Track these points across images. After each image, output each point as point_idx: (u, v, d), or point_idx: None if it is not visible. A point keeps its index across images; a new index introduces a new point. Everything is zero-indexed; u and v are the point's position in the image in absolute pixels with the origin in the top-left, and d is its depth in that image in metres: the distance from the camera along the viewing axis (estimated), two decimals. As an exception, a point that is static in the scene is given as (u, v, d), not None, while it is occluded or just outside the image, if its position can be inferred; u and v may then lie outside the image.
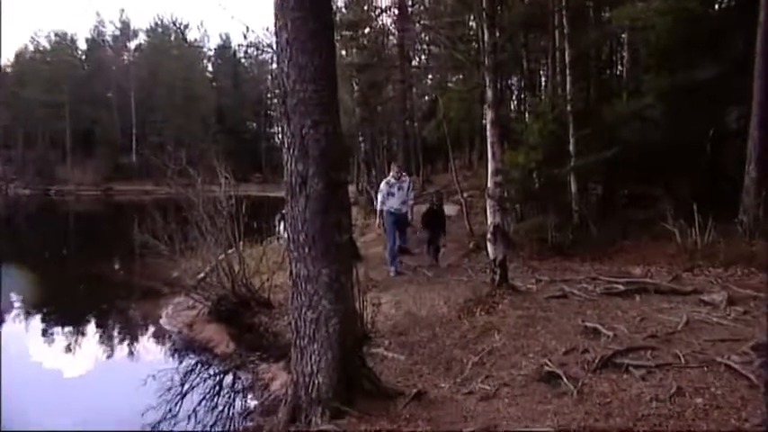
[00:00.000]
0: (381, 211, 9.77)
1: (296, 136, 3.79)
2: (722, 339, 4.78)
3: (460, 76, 21.17)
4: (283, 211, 4.12)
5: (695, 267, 8.42)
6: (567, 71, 14.20)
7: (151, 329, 9.04)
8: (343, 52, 23.89)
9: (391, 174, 9.96)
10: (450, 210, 21.43)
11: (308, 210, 3.82)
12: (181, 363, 6.98)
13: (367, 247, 14.77)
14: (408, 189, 9.93)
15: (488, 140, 7.61)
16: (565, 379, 4.16)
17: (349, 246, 4.30)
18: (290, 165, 3.84)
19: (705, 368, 4.19)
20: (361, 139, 21.03)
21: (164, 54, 63.14)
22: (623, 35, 18.15)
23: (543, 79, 25.36)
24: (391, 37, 22.35)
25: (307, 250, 3.86)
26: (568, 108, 13.23)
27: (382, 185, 9.84)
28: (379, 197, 9.77)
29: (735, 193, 10.48)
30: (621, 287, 7.26)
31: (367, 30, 20.91)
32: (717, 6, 13.29)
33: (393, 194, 9.66)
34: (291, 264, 3.99)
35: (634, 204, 15.67)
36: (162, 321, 8.86)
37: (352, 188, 29.44)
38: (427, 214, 10.78)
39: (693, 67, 12.30)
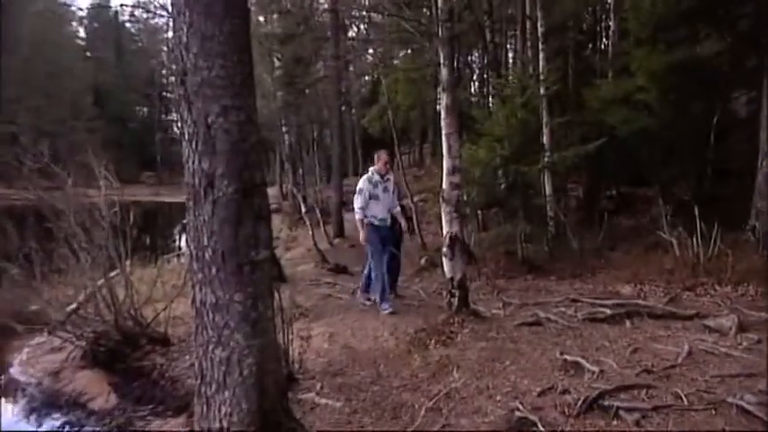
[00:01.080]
0: (362, 221, 8.60)
1: (199, 125, 3.73)
2: (732, 375, 4.99)
3: (408, 52, 21.39)
4: (184, 221, 4.05)
5: (698, 285, 8.79)
6: (541, 45, 14.60)
7: (-6, 383, 8.61)
8: (261, 18, 23.71)
9: (376, 167, 8.82)
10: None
11: (215, 219, 3.77)
12: (40, 426, 6.68)
13: (294, 264, 14.76)
14: (395, 190, 9.12)
15: (443, 131, 7.72)
16: (541, 426, 4.25)
17: (269, 264, 4.25)
18: (193, 162, 3.78)
19: (713, 410, 4.35)
20: (284, 129, 20.95)
21: (13, 5, 59.79)
22: (609, 1, 18.85)
23: (511, 55, 26.05)
24: (322, 0, 22.42)
25: (214, 271, 3.80)
26: (542, 90, 13.59)
27: (362, 184, 8.66)
28: (359, 201, 8.62)
29: (745, 194, 10.96)
30: (608, 311, 7.50)
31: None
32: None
33: (377, 198, 8.62)
34: (195, 288, 3.91)
35: (623, 209, 16.28)
36: (13, 371, 8.37)
37: (273, 191, 29.35)
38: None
39: (694, 42, 12.87)
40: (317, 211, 19.64)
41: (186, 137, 3.79)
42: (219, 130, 3.72)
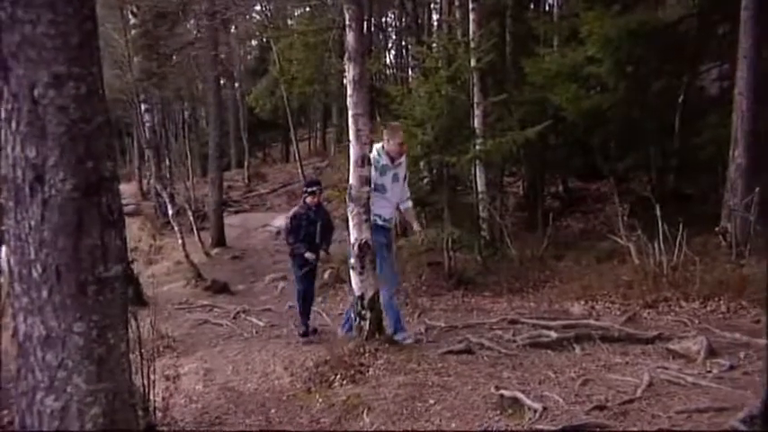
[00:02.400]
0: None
1: (22, 100, 3.55)
2: (701, 409, 5.15)
3: (306, 9, 21.24)
4: (2, 227, 3.86)
5: (661, 301, 9.09)
6: (471, 3, 14.73)
7: None
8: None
9: (386, 143, 8.11)
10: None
11: (47, 225, 3.61)
12: None
13: (158, 283, 14.39)
14: (406, 178, 8.54)
15: (350, 112, 7.68)
16: (472, 482, 4.30)
17: (123, 283, 4.10)
18: (13, 149, 3.60)
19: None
20: (143, 108, 20.24)
21: None
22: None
23: (435, 17, 26.29)
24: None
25: (46, 294, 3.64)
26: (473, 62, 13.71)
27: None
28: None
29: (715, 190, 11.41)
30: (554, 334, 7.69)
31: None
32: None
33: (385, 188, 8.06)
34: (18, 318, 3.73)
35: (571, 208, 16.72)
36: None
37: (129, 188, 28.57)
38: (296, 225, 8.97)
39: (656, 3, 13.32)
40: (190, 214, 19.14)
41: (3, 115, 3.61)
42: (51, 106, 3.56)
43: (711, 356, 6.50)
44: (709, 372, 6.14)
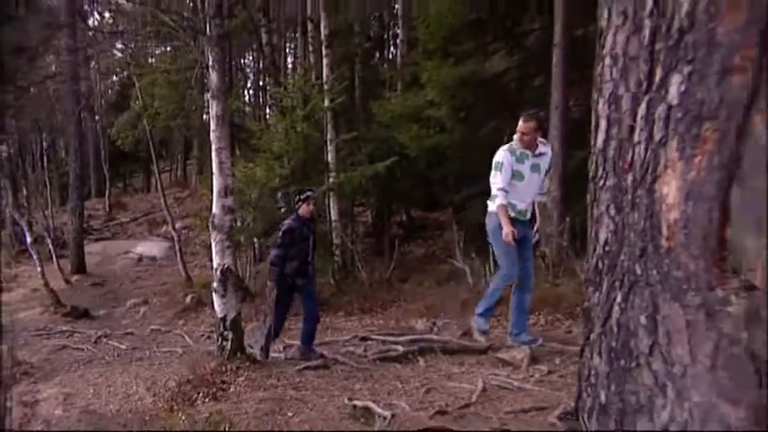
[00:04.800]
0: (505, 208, 6.89)
1: None
2: (525, 410, 5.42)
3: (169, 49, 20.85)
4: None
5: (492, 317, 9.41)
6: (324, 50, 14.92)
7: None
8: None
9: (521, 136, 6.94)
10: (155, 248, 20.98)
11: None
12: None
13: (12, 311, 13.67)
14: (548, 172, 7.57)
15: (213, 146, 7.65)
16: (327, 486, 4.34)
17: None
18: None
19: (505, 448, 4.72)
20: (-1, 137, 19.26)
21: None
22: (397, 6, 19.78)
23: (291, 60, 26.40)
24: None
25: None
26: (326, 102, 13.87)
27: (501, 156, 6.95)
28: (499, 179, 6.89)
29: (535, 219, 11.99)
30: (401, 348, 7.83)
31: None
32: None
33: (522, 175, 6.98)
34: None
35: (414, 235, 17.05)
36: None
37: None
38: (289, 241, 7.86)
39: (484, 56, 13.87)
40: (49, 242, 18.25)
41: None
42: None
43: (533, 363, 6.81)
44: (532, 376, 6.44)
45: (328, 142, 14.25)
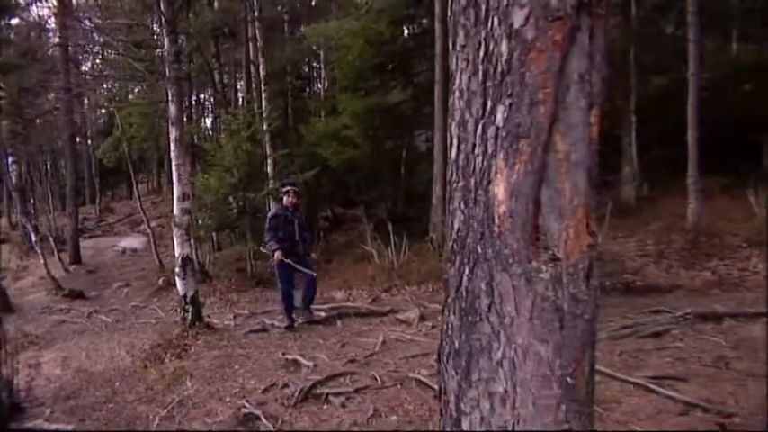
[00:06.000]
0: None
1: None
2: (414, 355, 5.53)
3: (143, 87, 20.33)
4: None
5: (393, 287, 9.53)
6: (263, 87, 14.80)
7: None
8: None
9: None
10: (135, 242, 20.41)
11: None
12: None
13: (23, 294, 13.18)
14: None
15: (173, 162, 7.53)
16: (264, 419, 4.32)
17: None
18: None
19: (399, 385, 4.80)
20: (11, 159, 18.45)
21: None
22: (321, 52, 19.75)
23: (241, 95, 26.00)
24: (51, 34, 20.42)
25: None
26: (265, 126, 13.77)
27: None
28: None
29: (426, 212, 12.19)
30: (323, 314, 7.86)
31: (15, 21, 18.73)
32: (406, 32, 15.31)
33: None
34: None
35: (336, 227, 17.07)
36: None
37: (1, 222, 25.86)
38: (275, 225, 7.33)
39: (386, 91, 14.00)
40: (51, 240, 17.66)
41: None
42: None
43: (422, 321, 6.94)
44: (420, 331, 6.57)
45: (267, 157, 14.13)
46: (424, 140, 16.01)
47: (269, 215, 7.42)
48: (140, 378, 5.88)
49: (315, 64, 23.41)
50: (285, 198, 7.42)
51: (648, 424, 3.34)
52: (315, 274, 7.58)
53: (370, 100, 13.00)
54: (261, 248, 7.62)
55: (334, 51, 15.21)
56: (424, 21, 14.62)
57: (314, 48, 19.22)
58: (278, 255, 7.08)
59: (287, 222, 7.28)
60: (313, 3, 22.72)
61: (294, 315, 7.45)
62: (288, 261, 7.16)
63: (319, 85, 22.53)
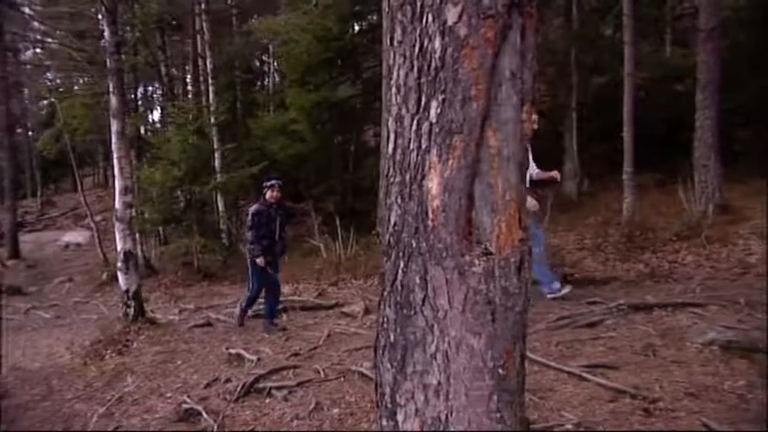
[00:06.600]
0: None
1: None
2: (358, 348, 5.51)
3: (87, 79, 19.69)
4: None
5: (340, 281, 9.49)
6: (210, 80, 14.55)
7: None
8: None
9: None
10: (79, 236, 19.79)
11: None
12: None
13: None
14: None
15: (114, 155, 7.31)
16: (205, 414, 4.24)
17: None
18: None
19: (342, 378, 4.77)
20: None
21: None
22: (271, 47, 19.48)
23: (190, 87, 25.47)
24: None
25: None
26: (212, 120, 13.54)
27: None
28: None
29: (374, 207, 12.17)
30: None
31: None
32: (355, 28, 15.22)
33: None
34: None
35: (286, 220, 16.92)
36: None
37: None
38: (257, 222, 6.84)
39: (335, 85, 13.93)
40: (-14, 234, 16.98)
41: None
42: None
43: (367, 314, 6.93)
44: (365, 324, 6.55)
45: (215, 151, 13.92)
46: (372, 135, 15.98)
47: (251, 212, 6.88)
48: (79, 375, 5.70)
49: (265, 58, 23.15)
50: (269, 192, 6.91)
51: (580, 411, 3.42)
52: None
53: (319, 95, 12.90)
54: (247, 249, 6.99)
55: (282, 46, 15.02)
56: (373, 17, 14.58)
57: (264, 42, 18.94)
58: (260, 261, 6.66)
59: (269, 219, 6.84)
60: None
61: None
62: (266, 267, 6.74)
63: (269, 80, 22.24)
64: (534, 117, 2.00)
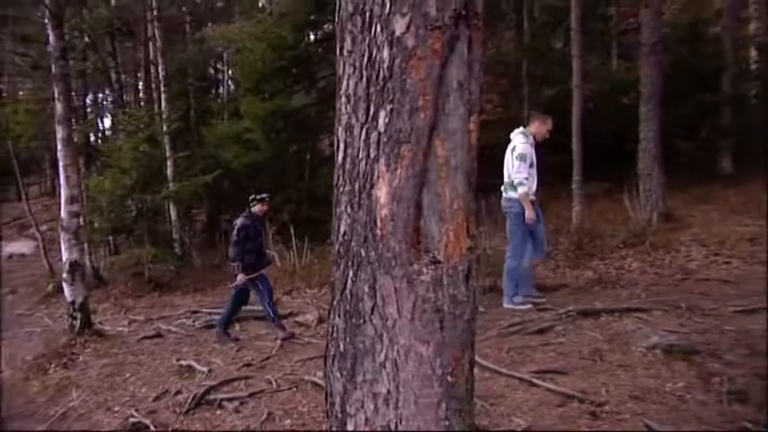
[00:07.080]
0: (527, 195, 6.04)
1: None
2: (311, 358, 5.46)
3: (32, 85, 19.07)
4: None
5: (294, 290, 9.40)
6: (162, 87, 14.29)
7: None
8: None
9: (536, 126, 6.30)
10: (24, 247, 19.09)
11: None
12: None
13: None
14: None
15: (60, 163, 7.08)
16: (153, 428, 4.14)
17: None
18: None
19: (294, 389, 4.71)
20: None
21: None
22: (225, 54, 19.27)
23: (141, 94, 24.94)
24: None
25: None
26: (164, 127, 13.28)
27: (525, 148, 6.06)
28: (523, 170, 6.01)
29: (329, 216, 12.12)
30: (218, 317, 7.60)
31: None
32: (310, 37, 15.16)
33: (534, 164, 6.14)
34: None
35: (239, 230, 16.69)
36: None
37: None
38: (244, 237, 6.57)
39: (290, 94, 13.82)
40: None
41: None
42: None
43: (320, 323, 6.88)
44: (318, 333, 6.51)
45: (167, 159, 13.63)
46: (327, 144, 15.91)
47: (237, 226, 6.55)
48: (20, 391, 5.49)
49: (219, 66, 22.86)
50: (258, 206, 6.71)
51: (530, 416, 3.46)
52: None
53: (273, 103, 12.76)
54: (232, 264, 6.69)
55: (237, 54, 14.85)
56: (328, 27, 14.55)
57: (218, 50, 18.71)
58: (240, 278, 6.46)
59: (256, 233, 6.64)
60: (219, 4, 22.21)
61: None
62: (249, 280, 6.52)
63: (223, 88, 21.98)
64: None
